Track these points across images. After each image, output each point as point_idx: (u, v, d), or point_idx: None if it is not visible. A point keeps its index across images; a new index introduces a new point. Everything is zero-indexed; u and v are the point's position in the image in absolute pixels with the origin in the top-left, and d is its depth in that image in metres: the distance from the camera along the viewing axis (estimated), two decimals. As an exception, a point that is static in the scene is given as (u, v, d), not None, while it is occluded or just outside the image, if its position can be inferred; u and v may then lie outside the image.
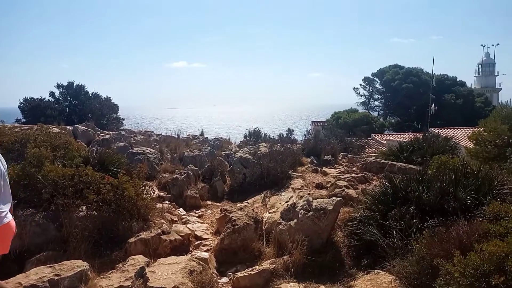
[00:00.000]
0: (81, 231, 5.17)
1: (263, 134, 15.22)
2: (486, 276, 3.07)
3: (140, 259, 4.60)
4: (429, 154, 8.92)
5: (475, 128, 17.66)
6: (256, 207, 7.36)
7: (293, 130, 17.27)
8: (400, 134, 25.82)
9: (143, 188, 6.26)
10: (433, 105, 25.76)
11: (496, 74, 50.00)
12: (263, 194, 7.93)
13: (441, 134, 18.83)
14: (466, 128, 23.71)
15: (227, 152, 11.92)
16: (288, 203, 6.15)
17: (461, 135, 22.14)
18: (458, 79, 39.73)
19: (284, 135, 16.17)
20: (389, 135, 27.86)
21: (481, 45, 50.84)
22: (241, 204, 6.85)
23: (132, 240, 5.38)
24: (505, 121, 15.04)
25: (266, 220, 6.23)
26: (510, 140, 13.97)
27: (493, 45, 56.16)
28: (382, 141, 22.42)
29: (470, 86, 42.86)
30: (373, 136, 25.21)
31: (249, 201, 7.83)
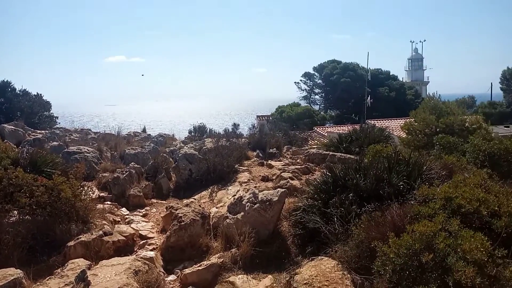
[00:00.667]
0: (13, 238, 4.79)
1: (208, 129, 15.09)
2: (417, 255, 3.33)
3: (81, 263, 4.38)
4: (366, 144, 9.43)
5: (406, 118, 19.02)
6: (203, 202, 7.31)
7: (238, 125, 17.35)
8: (340, 126, 27.01)
9: (81, 188, 5.94)
10: (369, 98, 27.27)
11: (424, 68, 54.05)
12: (210, 189, 7.90)
13: (377, 125, 20.02)
14: (399, 119, 25.43)
15: (172, 148, 11.67)
16: (235, 197, 6.19)
17: (395, 126, 23.71)
18: (391, 73, 42.38)
19: (230, 129, 16.17)
20: (330, 127, 29.03)
21: (410, 41, 54.75)
22: (188, 201, 6.77)
23: (71, 243, 5.10)
24: (433, 112, 16.38)
25: (213, 215, 6.23)
26: (438, 129, 15.26)
27: (420, 41, 60.80)
28: (323, 133, 23.30)
29: (401, 80, 45.92)
30: (315, 128, 26.11)
31: (195, 197, 7.76)
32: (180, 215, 5.64)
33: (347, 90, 37.61)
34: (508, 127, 26.35)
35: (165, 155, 9.91)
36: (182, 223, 5.47)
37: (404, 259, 3.35)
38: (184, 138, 14.76)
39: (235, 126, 16.80)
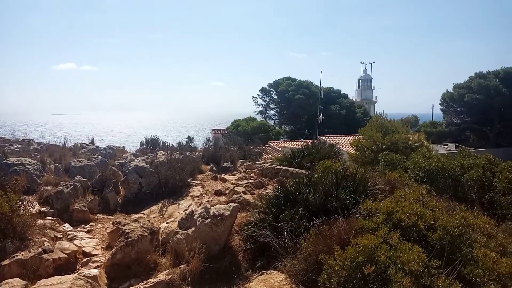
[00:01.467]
0: None
1: (161, 142, 14.74)
2: (360, 267, 3.48)
3: (16, 283, 4.08)
4: (317, 160, 9.71)
5: (356, 135, 19.91)
6: (153, 217, 7.11)
7: (193, 138, 17.15)
8: (293, 141, 27.65)
9: (20, 203, 5.56)
10: (321, 115, 28.21)
11: (372, 88, 57.04)
12: (160, 204, 7.71)
13: (328, 141, 20.72)
14: (349, 136, 26.55)
15: (122, 161, 11.26)
16: (186, 211, 6.09)
17: (345, 142, 24.70)
18: (342, 92, 44.29)
19: (184, 142, 15.95)
20: (284, 142, 29.58)
21: (361, 63, 57.71)
22: (136, 216, 6.55)
23: (5, 262, 4.74)
24: (379, 130, 17.30)
25: (163, 230, 6.07)
26: (384, 146, 16.10)
27: (369, 63, 64.54)
28: (278, 148, 23.68)
29: (352, 99, 48.06)
30: (270, 143, 26.49)
31: (145, 212, 7.53)
32: (127, 230, 5.43)
33: (301, 107, 38.68)
34: (446, 145, 28.43)
35: (114, 168, 9.52)
36: (129, 239, 5.27)
37: (348, 271, 3.48)
38: (135, 150, 14.30)
39: (190, 139, 16.59)
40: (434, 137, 33.21)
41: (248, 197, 7.24)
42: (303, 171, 8.64)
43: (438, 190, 6.95)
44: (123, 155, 13.07)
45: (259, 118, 41.13)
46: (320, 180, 5.71)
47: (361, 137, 17.26)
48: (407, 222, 4.02)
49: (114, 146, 14.55)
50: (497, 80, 32.11)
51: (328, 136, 26.80)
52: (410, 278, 3.20)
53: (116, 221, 6.23)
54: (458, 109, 34.85)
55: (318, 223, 4.65)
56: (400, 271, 3.31)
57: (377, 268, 3.42)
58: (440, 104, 36.59)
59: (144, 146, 14.46)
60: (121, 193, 8.69)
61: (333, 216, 4.76)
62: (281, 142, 29.88)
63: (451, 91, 34.80)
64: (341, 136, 27.44)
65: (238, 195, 7.24)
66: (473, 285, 3.59)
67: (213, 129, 31.73)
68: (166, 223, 6.54)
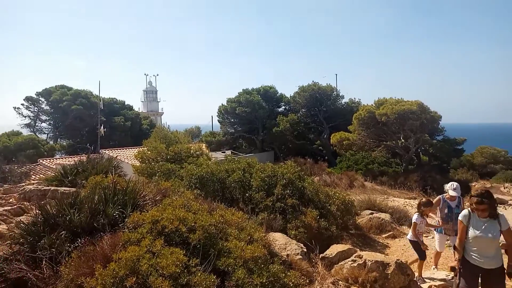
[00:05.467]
0: None
1: None
2: (123, 281, 3.45)
3: None
4: (93, 175, 9.09)
5: (141, 147, 19.74)
6: None
7: None
8: (72, 157, 24.92)
9: None
10: (102, 127, 26.61)
11: (158, 100, 58.07)
12: None
13: (111, 154, 19.77)
14: (134, 148, 26.08)
15: None
16: None
17: (130, 154, 24.14)
18: (126, 103, 42.98)
19: None
20: (60, 158, 26.30)
21: (145, 74, 57.90)
22: None
23: None
24: (163, 141, 17.77)
25: None
26: (168, 157, 16.60)
27: (154, 75, 65.63)
28: (52, 166, 20.85)
29: (138, 110, 47.44)
30: (41, 161, 23.04)
31: None
32: None
33: (80, 118, 35.42)
34: (224, 152, 31.91)
35: None
36: None
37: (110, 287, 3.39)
38: None
39: None
40: (214, 145, 36.75)
41: (2, 228, 6.09)
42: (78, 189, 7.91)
43: (208, 193, 7.68)
44: None
45: (26, 132, 35.11)
46: (88, 197, 5.36)
47: (146, 148, 17.28)
48: (171, 228, 4.26)
49: None
50: (259, 95, 38.36)
51: (112, 150, 25.56)
52: (169, 281, 3.39)
53: None
54: (232, 120, 39.67)
55: (81, 244, 4.33)
56: (161, 277, 3.47)
57: (138, 279, 3.47)
58: (217, 116, 40.73)
59: None
60: None
61: (100, 234, 4.54)
62: (57, 158, 26.46)
63: (225, 104, 39.30)
64: (126, 149, 26.65)
65: (-13, 227, 5.98)
66: (227, 273, 4.13)
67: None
68: None
